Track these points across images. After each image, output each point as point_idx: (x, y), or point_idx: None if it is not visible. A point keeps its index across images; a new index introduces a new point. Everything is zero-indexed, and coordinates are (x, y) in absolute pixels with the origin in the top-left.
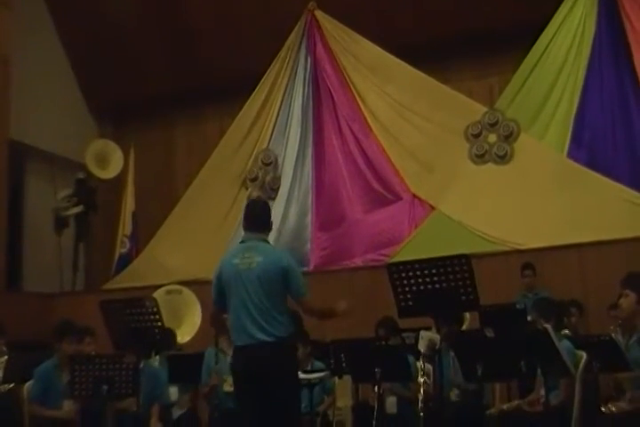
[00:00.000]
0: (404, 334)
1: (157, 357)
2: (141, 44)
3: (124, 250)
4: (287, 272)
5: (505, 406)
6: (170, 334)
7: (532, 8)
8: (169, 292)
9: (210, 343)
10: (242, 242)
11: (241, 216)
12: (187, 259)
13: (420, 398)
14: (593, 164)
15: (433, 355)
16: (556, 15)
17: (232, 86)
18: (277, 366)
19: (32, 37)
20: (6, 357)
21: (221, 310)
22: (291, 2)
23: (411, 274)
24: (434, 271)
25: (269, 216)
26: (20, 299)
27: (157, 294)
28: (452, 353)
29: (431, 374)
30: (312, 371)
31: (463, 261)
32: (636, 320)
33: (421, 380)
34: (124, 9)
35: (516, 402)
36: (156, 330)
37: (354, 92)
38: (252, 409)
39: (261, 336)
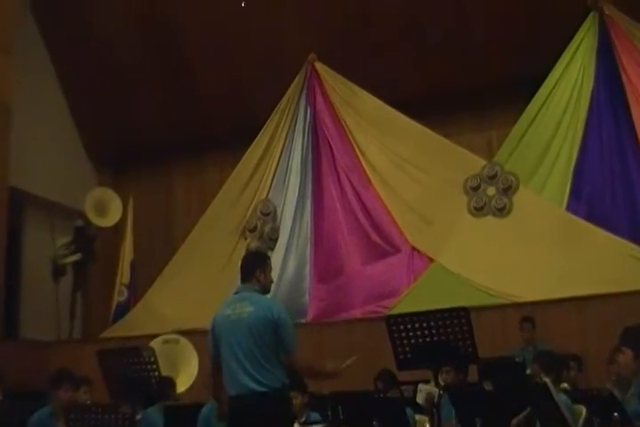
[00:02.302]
0: (403, 387)
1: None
2: (142, 93)
3: (121, 299)
4: (278, 326)
5: None
6: (170, 384)
7: (531, 62)
8: (166, 341)
9: (208, 396)
10: (235, 293)
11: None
12: (184, 308)
13: None
14: (592, 217)
15: (431, 408)
16: (554, 69)
17: (232, 136)
18: (270, 417)
19: (33, 84)
20: None
21: (219, 364)
22: (291, 53)
23: (409, 326)
24: (432, 324)
25: (254, 265)
26: (16, 347)
27: (154, 344)
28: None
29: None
30: (308, 423)
31: (462, 313)
32: (634, 376)
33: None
34: (126, 58)
35: None
36: (153, 380)
37: (353, 143)
38: None
39: (253, 386)
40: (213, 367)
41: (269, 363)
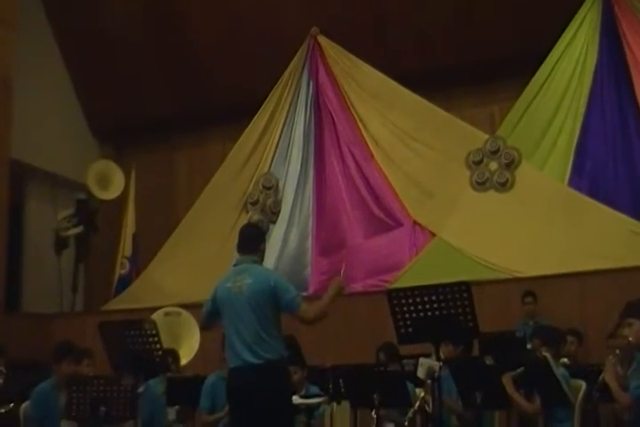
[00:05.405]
0: (404, 361)
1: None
2: (144, 66)
3: (123, 271)
4: (276, 290)
5: None
6: (173, 356)
7: (534, 36)
8: (167, 313)
9: (212, 367)
10: (235, 265)
11: None
12: (186, 282)
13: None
14: (594, 193)
15: (432, 382)
16: (557, 44)
17: (234, 110)
18: (267, 389)
19: (35, 58)
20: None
21: (206, 328)
22: (294, 27)
23: (410, 301)
24: (434, 298)
25: (259, 238)
26: (18, 319)
27: (156, 316)
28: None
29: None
30: (308, 396)
31: (463, 288)
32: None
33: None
34: (127, 33)
35: None
36: (155, 352)
37: (355, 117)
38: None
39: (251, 359)
40: (204, 323)
41: (269, 335)
